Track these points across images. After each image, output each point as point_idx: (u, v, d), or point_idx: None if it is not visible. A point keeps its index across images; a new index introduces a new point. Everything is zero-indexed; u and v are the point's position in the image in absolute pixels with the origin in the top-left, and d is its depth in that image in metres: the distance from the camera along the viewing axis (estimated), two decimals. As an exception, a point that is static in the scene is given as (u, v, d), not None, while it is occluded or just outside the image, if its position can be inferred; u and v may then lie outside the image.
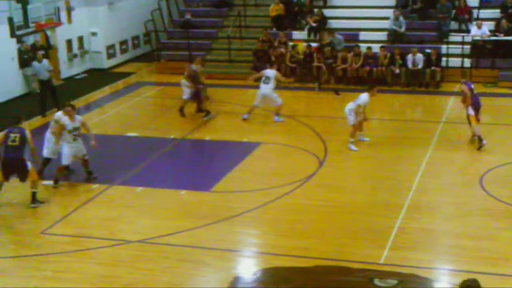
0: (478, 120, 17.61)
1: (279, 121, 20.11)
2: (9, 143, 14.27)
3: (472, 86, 17.93)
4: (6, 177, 14.58)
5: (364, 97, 17.63)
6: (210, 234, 13.22)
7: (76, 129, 15.39)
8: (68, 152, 15.46)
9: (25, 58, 23.92)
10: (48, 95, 21.65)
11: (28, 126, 19.76)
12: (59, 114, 15.77)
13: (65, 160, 15.58)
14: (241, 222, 13.79)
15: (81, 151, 15.64)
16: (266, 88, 20.06)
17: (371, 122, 20.08)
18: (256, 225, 13.78)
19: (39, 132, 19.94)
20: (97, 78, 26.54)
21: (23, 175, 14.48)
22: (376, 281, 11.20)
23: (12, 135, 14.34)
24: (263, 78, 20.29)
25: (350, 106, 17.81)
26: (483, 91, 23.13)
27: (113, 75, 27.12)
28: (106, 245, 12.77)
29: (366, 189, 15.17)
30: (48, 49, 24.77)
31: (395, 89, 23.68)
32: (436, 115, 20.78)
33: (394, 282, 11.15)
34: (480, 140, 17.19)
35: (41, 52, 22.31)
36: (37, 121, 21.20)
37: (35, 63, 21.59)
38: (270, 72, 20.47)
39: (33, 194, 14.63)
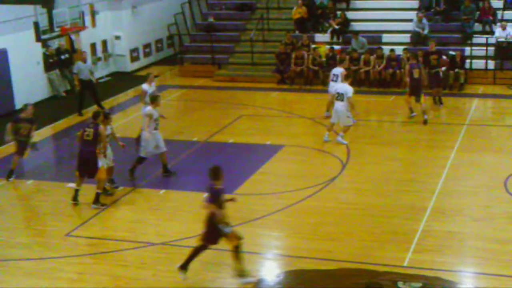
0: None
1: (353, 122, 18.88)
2: (84, 137, 14.77)
3: (415, 69, 19.61)
4: (80, 174, 14.95)
5: (350, 90, 17.88)
6: (233, 237, 13.24)
7: (108, 135, 15.41)
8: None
9: (51, 62, 24.18)
10: (86, 95, 21.99)
11: (52, 129, 19.99)
12: (150, 109, 15.80)
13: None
14: (264, 225, 13.81)
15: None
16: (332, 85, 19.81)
17: (394, 124, 20.04)
18: (279, 228, 13.78)
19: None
20: (121, 81, 26.71)
21: (92, 171, 14.75)
22: (400, 284, 11.15)
23: (88, 129, 14.79)
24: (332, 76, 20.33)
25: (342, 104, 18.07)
26: (507, 94, 23.01)
27: (136, 78, 27.26)
28: (130, 247, 12.85)
29: (389, 192, 15.12)
30: (72, 53, 25.01)
31: (418, 92, 23.53)
32: (460, 117, 20.66)
33: (418, 285, 11.09)
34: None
35: (85, 52, 23.08)
36: (62, 124, 21.39)
37: (80, 63, 22.11)
38: (338, 70, 20.24)
39: (96, 195, 14.82)
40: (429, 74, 20.83)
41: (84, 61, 22.26)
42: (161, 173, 16.36)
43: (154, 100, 15.93)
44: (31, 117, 16.81)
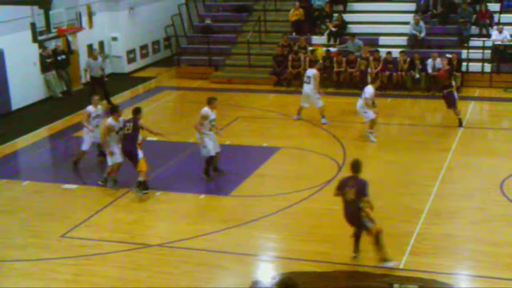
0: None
1: (327, 123, 20.20)
2: (125, 131, 15.42)
3: None
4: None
5: (368, 89, 18.37)
6: (229, 239, 13.25)
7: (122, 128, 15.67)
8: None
9: (47, 63, 24.16)
10: (97, 92, 22.13)
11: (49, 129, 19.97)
12: (206, 110, 15.92)
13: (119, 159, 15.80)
14: (260, 227, 13.81)
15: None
16: (307, 88, 20.17)
17: (391, 127, 20.08)
18: (275, 230, 13.78)
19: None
20: (118, 82, 26.69)
21: (133, 162, 15.42)
22: (396, 286, 11.17)
23: (128, 124, 15.47)
24: (305, 78, 20.38)
25: (360, 103, 18.51)
26: (503, 96, 23.05)
27: (133, 80, 27.28)
28: (126, 249, 12.83)
29: (386, 194, 15.11)
30: (69, 54, 24.99)
31: (415, 94, 23.60)
32: (456, 120, 20.65)
33: (414, 287, 11.11)
34: None
35: (96, 50, 23.89)
36: (58, 125, 21.36)
37: (90, 60, 23.13)
38: (310, 71, 20.36)
39: (138, 183, 15.30)
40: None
41: (95, 58, 23.03)
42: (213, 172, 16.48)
43: (210, 101, 16.02)
44: None
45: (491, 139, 18.99)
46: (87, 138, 16.99)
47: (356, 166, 11.79)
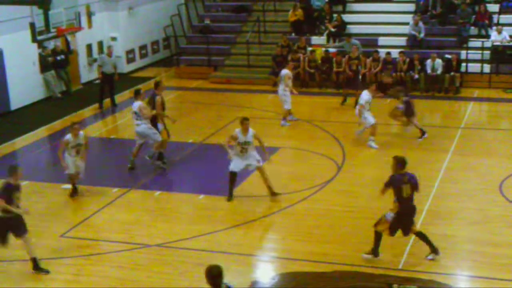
0: None
1: (285, 125, 20.21)
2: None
3: None
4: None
5: (363, 94, 18.08)
6: (228, 239, 13.26)
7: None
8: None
9: (46, 63, 24.15)
10: (106, 89, 22.62)
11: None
12: (236, 131, 14.86)
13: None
14: (259, 227, 13.82)
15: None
16: (279, 88, 20.28)
17: (390, 127, 20.07)
18: (275, 230, 13.79)
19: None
20: (117, 82, 26.65)
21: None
22: (395, 287, 11.18)
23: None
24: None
25: (357, 108, 18.41)
26: (502, 97, 23.07)
27: (132, 80, 27.26)
28: (125, 249, 12.84)
29: (385, 195, 15.08)
30: (68, 53, 24.99)
31: (414, 95, 23.52)
32: (455, 120, 20.70)
33: (413, 288, 11.13)
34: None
35: (111, 46, 24.02)
36: (57, 125, 21.36)
37: (104, 56, 23.11)
38: (282, 72, 20.41)
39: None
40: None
41: (110, 55, 22.95)
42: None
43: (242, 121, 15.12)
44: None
45: (490, 140, 18.98)
46: (70, 163, 15.24)
47: (404, 162, 11.89)
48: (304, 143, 18.80)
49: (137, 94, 16.82)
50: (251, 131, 14.82)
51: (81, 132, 15.30)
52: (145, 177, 16.55)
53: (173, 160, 17.65)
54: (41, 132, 20.81)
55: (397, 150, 17.86)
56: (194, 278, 11.71)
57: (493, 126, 20.40)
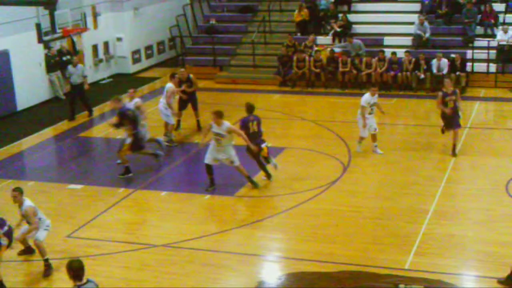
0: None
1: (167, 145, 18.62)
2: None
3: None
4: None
5: (364, 97, 17.43)
6: (234, 239, 13.27)
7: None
8: None
9: (52, 63, 24.21)
10: (77, 100, 21.95)
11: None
12: (211, 123, 15.48)
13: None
14: (265, 227, 13.81)
15: None
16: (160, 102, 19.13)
17: (396, 127, 20.04)
18: (280, 230, 13.78)
19: (65, 137, 20.20)
20: (122, 83, 26.71)
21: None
22: (401, 287, 11.16)
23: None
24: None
25: (358, 116, 17.59)
26: (508, 97, 23.02)
27: (138, 80, 27.28)
28: (131, 249, 12.85)
29: (391, 194, 15.12)
30: (74, 54, 25.02)
31: (420, 94, 23.59)
32: (461, 120, 20.62)
33: (419, 288, 11.11)
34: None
35: (74, 58, 23.02)
36: (63, 125, 21.40)
37: (70, 67, 22.16)
38: (166, 86, 19.06)
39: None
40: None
41: (75, 65, 21.98)
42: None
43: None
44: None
45: (496, 140, 18.95)
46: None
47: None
48: (310, 143, 18.78)
49: (171, 77, 18.93)
50: (226, 124, 15.25)
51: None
52: (151, 177, 16.55)
53: (179, 160, 17.66)
54: (47, 133, 20.84)
55: (404, 150, 17.93)
56: (200, 278, 11.72)
57: (500, 126, 20.36)
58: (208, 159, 15.53)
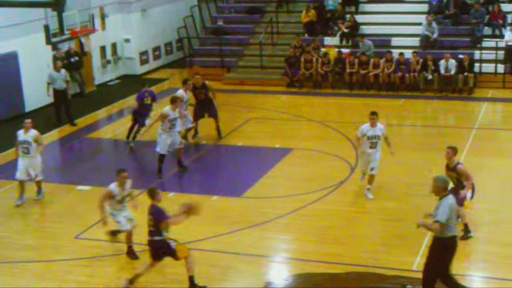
0: None
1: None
2: None
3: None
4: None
5: (362, 126, 15.08)
6: (241, 240, 13.27)
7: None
8: None
9: (60, 65, 24.26)
10: (62, 107, 21.66)
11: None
12: (166, 109, 16.46)
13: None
14: (272, 228, 13.82)
15: None
16: None
17: (404, 128, 20.00)
18: (288, 231, 13.78)
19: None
20: (130, 84, 26.76)
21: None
22: (409, 288, 11.15)
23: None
24: None
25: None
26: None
27: (146, 81, 27.32)
28: (138, 250, 12.86)
29: (398, 195, 15.09)
30: (82, 55, 25.10)
31: (427, 95, 23.55)
32: (469, 121, 20.61)
33: (426, 289, 11.07)
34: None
35: (58, 62, 22.46)
36: (71, 127, 21.45)
37: (52, 72, 21.53)
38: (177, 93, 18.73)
39: None
40: None
41: (58, 70, 21.43)
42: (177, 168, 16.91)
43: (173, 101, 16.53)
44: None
45: (504, 140, 18.91)
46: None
47: None
48: (317, 144, 18.78)
49: (183, 83, 18.75)
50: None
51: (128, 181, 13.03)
52: (158, 179, 16.57)
53: (187, 161, 17.68)
54: (56, 134, 20.91)
55: (411, 150, 17.90)
56: (208, 279, 11.72)
57: (508, 127, 20.30)
58: (163, 149, 16.43)
